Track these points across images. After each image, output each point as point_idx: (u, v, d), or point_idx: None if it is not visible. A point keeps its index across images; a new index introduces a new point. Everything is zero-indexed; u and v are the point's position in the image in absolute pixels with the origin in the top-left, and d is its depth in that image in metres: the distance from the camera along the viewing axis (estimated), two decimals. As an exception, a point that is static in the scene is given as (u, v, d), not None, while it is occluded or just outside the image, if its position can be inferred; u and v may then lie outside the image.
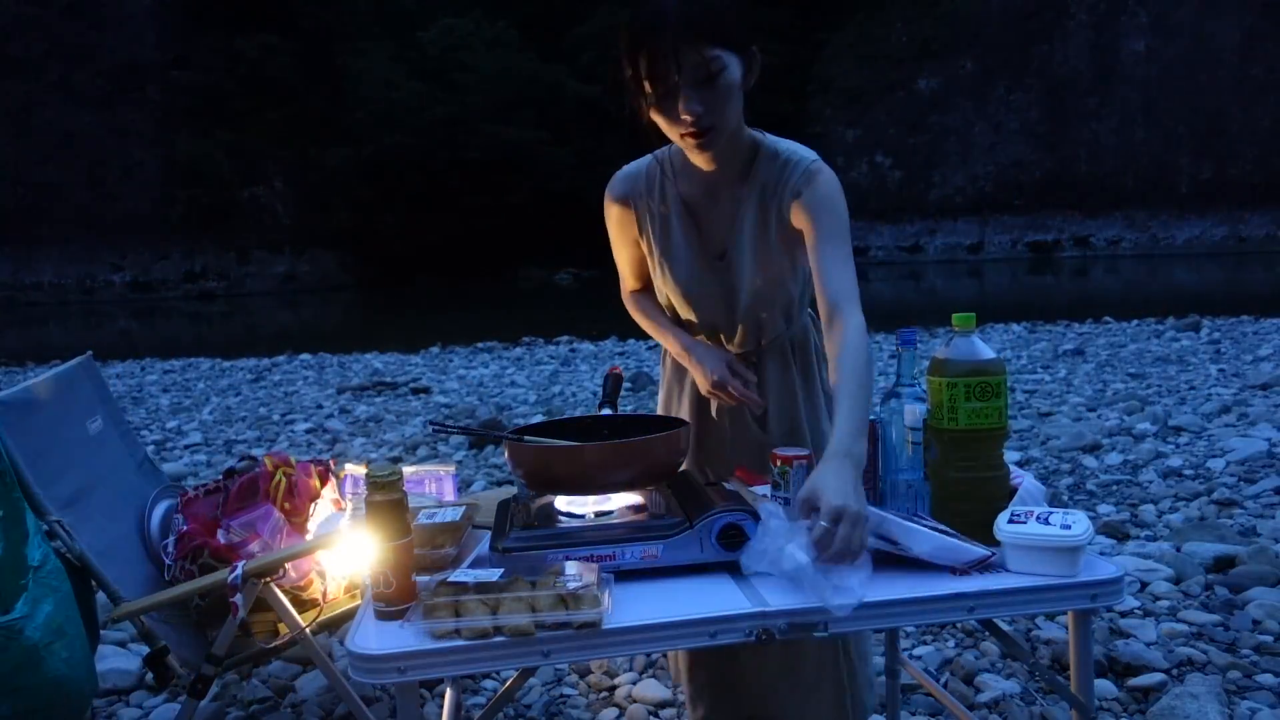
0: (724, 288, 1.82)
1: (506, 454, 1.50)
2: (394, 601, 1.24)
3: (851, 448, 1.40)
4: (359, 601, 2.34)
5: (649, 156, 1.80)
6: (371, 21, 39.98)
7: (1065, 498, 4.27)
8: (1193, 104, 34.37)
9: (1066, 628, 1.84)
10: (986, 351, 1.47)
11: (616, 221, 1.86)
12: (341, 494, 2.37)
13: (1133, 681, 2.54)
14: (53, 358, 11.65)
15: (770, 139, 1.75)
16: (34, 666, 1.84)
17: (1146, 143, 35.12)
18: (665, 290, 1.88)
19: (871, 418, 1.59)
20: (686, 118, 1.54)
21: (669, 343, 1.91)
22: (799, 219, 1.70)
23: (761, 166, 1.73)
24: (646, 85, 1.53)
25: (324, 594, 2.42)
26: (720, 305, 1.84)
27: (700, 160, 1.66)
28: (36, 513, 2.06)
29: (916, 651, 2.76)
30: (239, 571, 2.07)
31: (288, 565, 2.23)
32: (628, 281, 1.98)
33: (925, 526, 1.36)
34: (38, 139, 34.55)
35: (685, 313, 1.88)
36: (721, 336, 1.88)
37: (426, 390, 8.47)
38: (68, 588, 1.98)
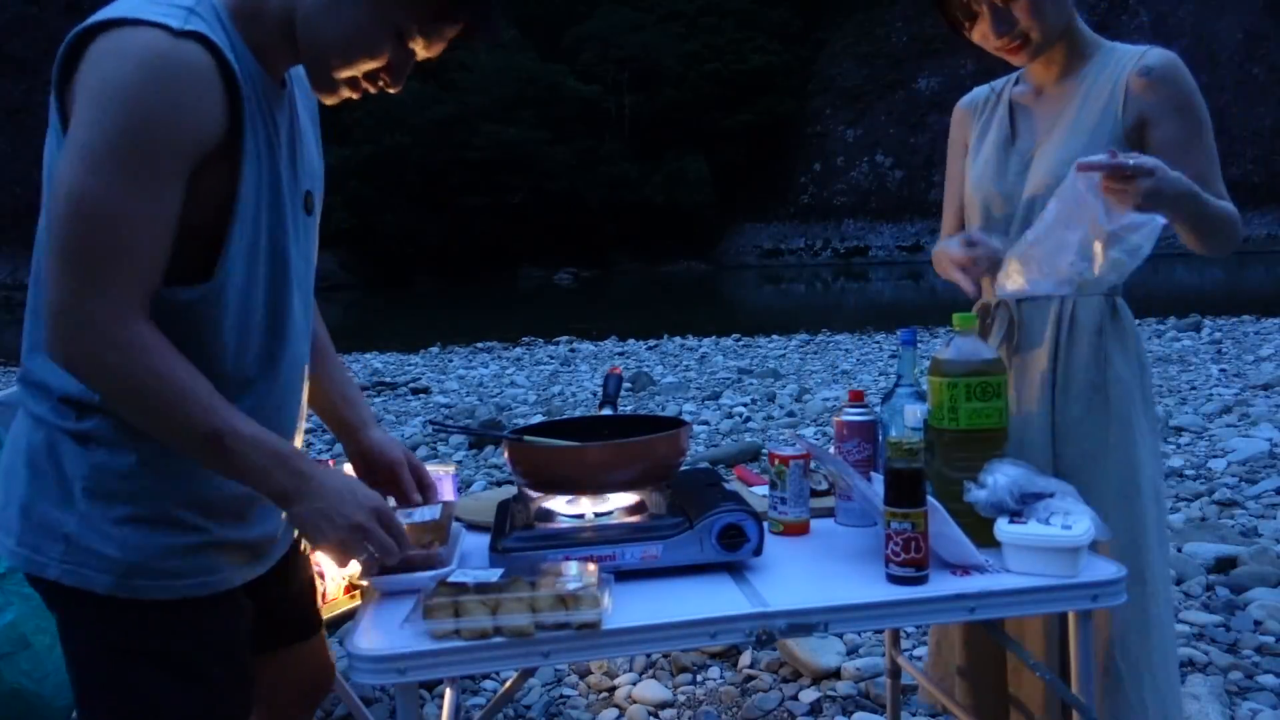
0: (1014, 187, 1.63)
1: (506, 454, 1.50)
2: None
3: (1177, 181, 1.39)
4: (359, 601, 2.34)
5: (992, 82, 1.77)
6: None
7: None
8: (1193, 104, 34.39)
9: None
10: (987, 351, 1.47)
11: (953, 134, 1.79)
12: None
13: (1133, 682, 2.54)
14: (53, 358, 11.61)
15: (1113, 43, 1.65)
16: None
17: (1146, 143, 35.14)
18: (962, 200, 1.74)
19: (871, 418, 1.60)
20: (994, 34, 1.55)
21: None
22: (1144, 107, 1.54)
23: (1096, 61, 1.61)
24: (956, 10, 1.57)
25: (323, 594, 2.42)
26: (1002, 206, 1.64)
27: (1019, 62, 1.62)
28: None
29: (917, 652, 2.76)
30: (238, 572, 2.07)
31: (287, 565, 2.23)
32: (945, 226, 1.82)
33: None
34: (37, 139, 34.49)
35: (973, 219, 1.70)
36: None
37: (426, 390, 8.47)
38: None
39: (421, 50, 1.21)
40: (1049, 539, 1.28)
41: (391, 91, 1.25)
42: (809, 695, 2.58)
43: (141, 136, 1.04)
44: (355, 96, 1.25)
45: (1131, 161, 1.35)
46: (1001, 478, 1.35)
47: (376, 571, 1.30)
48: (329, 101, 1.26)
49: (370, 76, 1.21)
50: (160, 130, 1.05)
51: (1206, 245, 1.54)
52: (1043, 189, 1.57)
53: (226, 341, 1.18)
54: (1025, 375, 1.63)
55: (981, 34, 1.57)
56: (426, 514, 1.48)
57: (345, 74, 1.19)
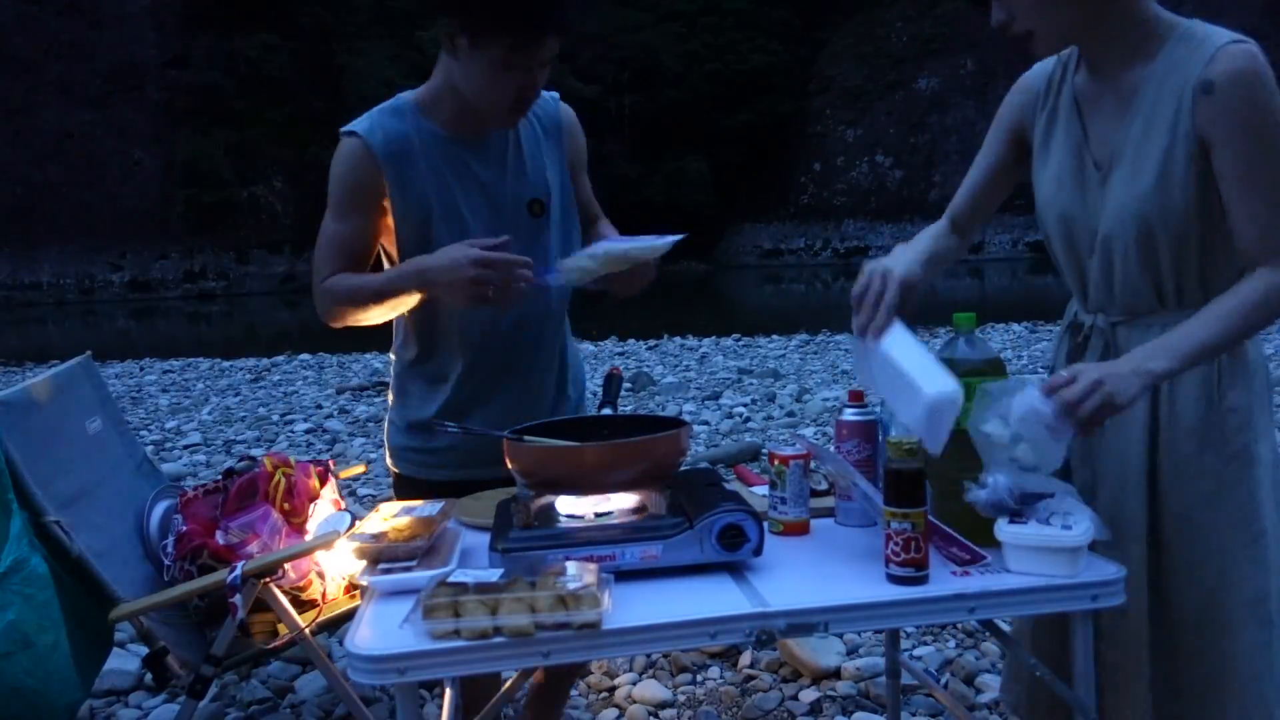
0: (1089, 207, 1.42)
1: (506, 454, 1.50)
2: None
3: (1147, 361, 1.25)
4: (359, 601, 2.34)
5: (1055, 57, 1.49)
6: (371, 21, 39.98)
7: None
8: (1192, 104, 34.37)
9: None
10: (987, 351, 1.47)
11: (1006, 113, 1.55)
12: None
13: (1133, 682, 2.54)
14: (51, 358, 11.63)
15: (1192, 23, 1.36)
16: None
17: (1146, 143, 35.12)
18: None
19: (871, 418, 1.59)
20: (993, 22, 1.38)
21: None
22: (1205, 127, 1.29)
23: (1173, 46, 1.34)
24: None
25: (323, 594, 2.42)
26: (1080, 231, 1.43)
27: (1035, 53, 1.42)
28: (34, 513, 2.06)
29: (917, 652, 2.76)
30: (238, 572, 2.07)
31: (287, 566, 2.23)
32: (955, 205, 1.63)
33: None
34: (36, 139, 34.55)
35: (1051, 240, 1.49)
36: (1076, 289, 1.51)
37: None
38: (45, 596, 1.95)
39: (525, 73, 1.63)
40: (1049, 539, 1.28)
41: (525, 103, 1.69)
42: (809, 695, 2.58)
43: (331, 190, 1.77)
44: (520, 111, 1.72)
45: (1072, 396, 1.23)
46: (1002, 478, 1.35)
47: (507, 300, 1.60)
48: (510, 124, 1.76)
49: (520, 101, 1.67)
50: (334, 185, 1.76)
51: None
52: (1115, 228, 1.38)
53: None
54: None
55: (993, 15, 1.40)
56: (427, 510, 1.51)
57: (507, 103, 1.66)
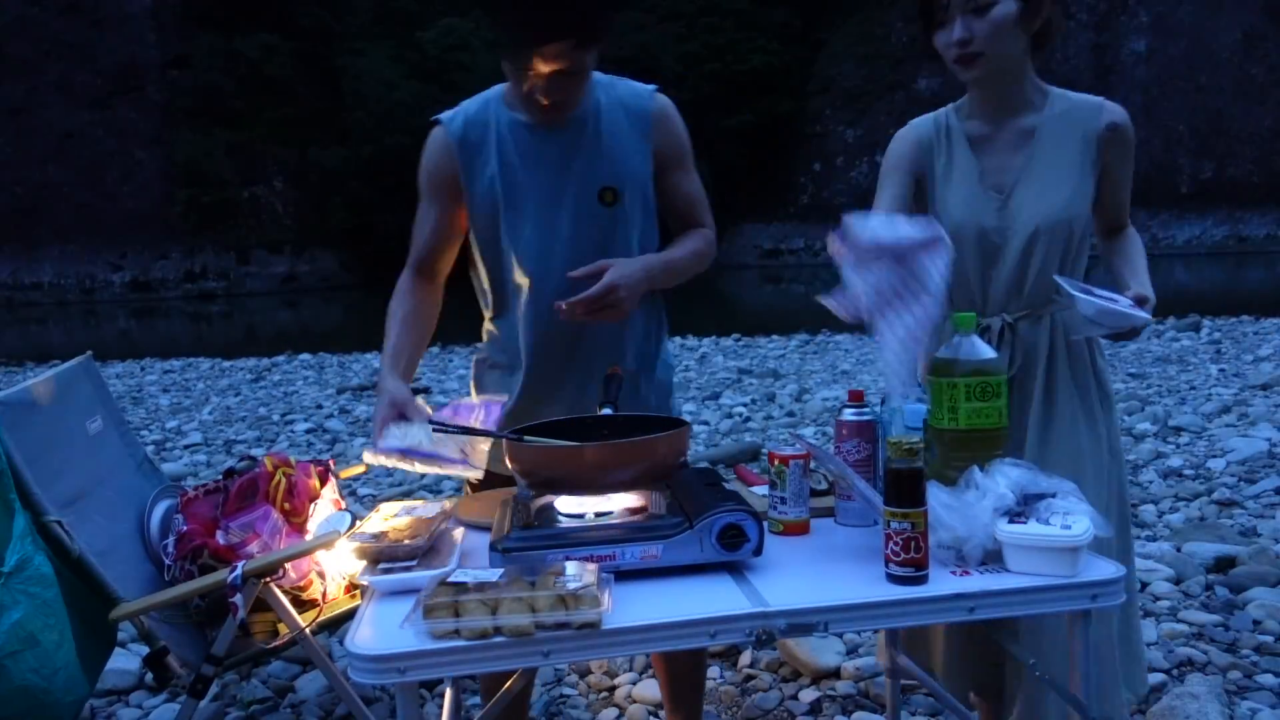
0: (998, 222, 1.76)
1: (506, 454, 1.50)
2: None
3: (1142, 287, 1.68)
4: (359, 601, 2.34)
5: (930, 115, 1.87)
6: (371, 21, 39.97)
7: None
8: (1193, 104, 34.36)
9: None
10: (986, 351, 1.47)
11: (898, 162, 1.83)
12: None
13: (1133, 681, 2.54)
14: (52, 358, 11.64)
15: (1054, 88, 1.80)
16: None
17: (1146, 143, 35.04)
18: None
19: (871, 418, 1.60)
20: (954, 40, 1.66)
21: None
22: (1110, 155, 1.76)
23: (1055, 101, 1.78)
24: (924, 16, 1.70)
25: (324, 594, 2.42)
26: (991, 242, 1.76)
27: (968, 75, 1.72)
28: (35, 512, 2.06)
29: (916, 651, 2.76)
30: (238, 572, 2.07)
31: (287, 565, 2.23)
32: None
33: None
34: (37, 139, 34.54)
35: (961, 250, 1.74)
36: (978, 296, 1.80)
37: (426, 390, 8.47)
38: (50, 595, 1.96)
39: (536, 76, 1.67)
40: (1049, 539, 1.28)
41: (556, 106, 1.74)
42: (809, 695, 2.58)
43: (419, 176, 1.89)
44: (547, 111, 1.75)
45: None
46: (1002, 478, 1.35)
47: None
48: (548, 121, 1.78)
49: (543, 99, 1.71)
50: (420, 172, 1.89)
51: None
52: (1033, 227, 1.73)
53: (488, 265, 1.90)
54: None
55: (945, 41, 1.69)
56: (428, 510, 1.52)
57: (527, 104, 1.75)
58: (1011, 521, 1.32)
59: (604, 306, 1.67)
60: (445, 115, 1.86)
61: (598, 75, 1.82)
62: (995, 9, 1.65)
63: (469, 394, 2.01)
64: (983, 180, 1.78)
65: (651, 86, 1.91)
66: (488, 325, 1.98)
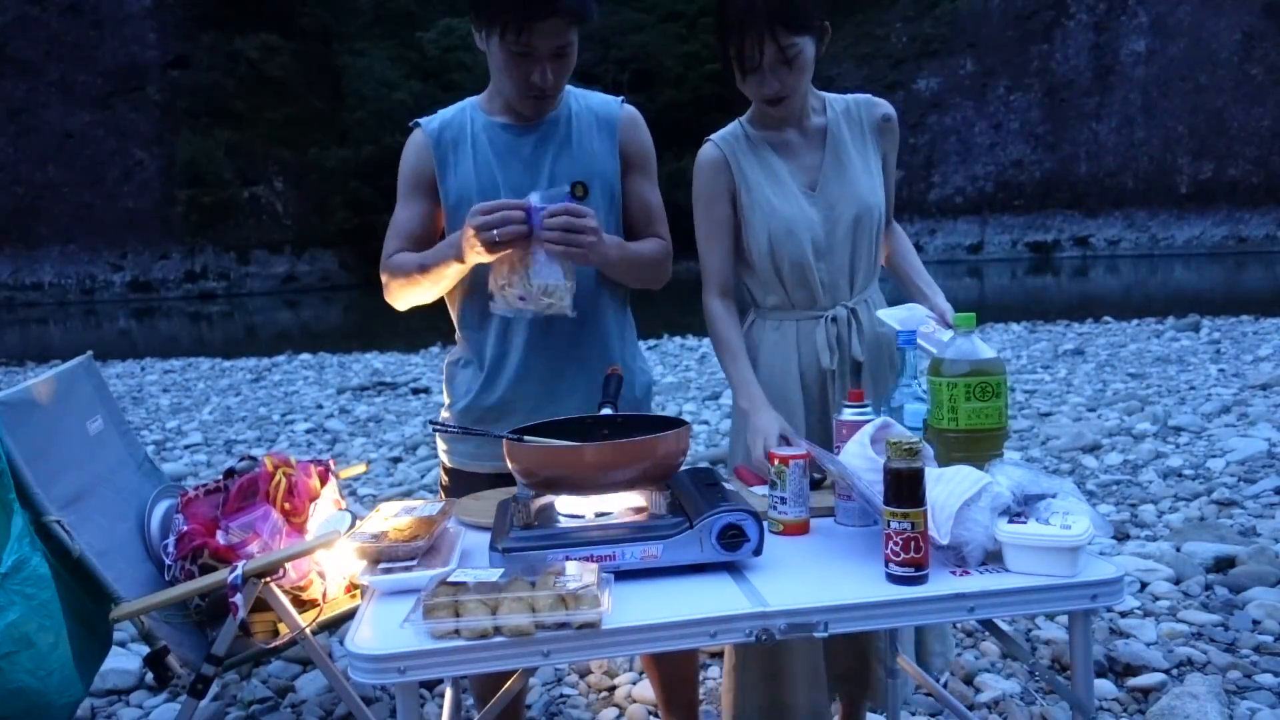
0: (812, 214, 1.89)
1: (506, 454, 1.50)
2: None
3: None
4: (359, 601, 2.34)
5: (716, 135, 1.99)
6: (371, 21, 39.98)
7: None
8: (1193, 104, 34.34)
9: (1067, 628, 1.85)
10: (986, 351, 1.47)
11: (709, 186, 1.94)
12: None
13: (1133, 681, 2.54)
14: (53, 358, 11.65)
15: (824, 93, 1.99)
16: None
17: (1146, 143, 35.10)
18: (759, 240, 1.90)
19: (871, 418, 1.60)
20: (766, 93, 1.83)
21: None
22: (885, 144, 1.95)
23: (832, 103, 1.96)
24: (735, 66, 1.82)
25: (324, 594, 2.42)
26: (804, 238, 1.88)
27: (779, 113, 1.90)
28: (35, 512, 2.06)
29: (916, 651, 2.76)
30: (239, 572, 2.07)
31: (287, 565, 2.23)
32: (715, 275, 1.97)
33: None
34: (38, 139, 34.55)
35: (783, 254, 1.89)
36: (815, 289, 1.90)
37: (426, 390, 8.47)
38: (47, 595, 1.95)
39: (533, 62, 1.77)
40: (1049, 539, 1.28)
41: (548, 89, 1.82)
42: (809, 695, 2.58)
43: (398, 177, 1.95)
44: (538, 99, 1.85)
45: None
46: (1002, 478, 1.35)
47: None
48: (530, 111, 1.88)
49: (534, 88, 1.81)
50: (399, 173, 1.95)
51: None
52: (852, 215, 1.89)
53: None
54: None
55: (755, 88, 1.83)
56: (428, 510, 1.52)
57: (521, 90, 1.82)
58: (1011, 521, 1.32)
59: (578, 232, 1.69)
60: (424, 118, 1.96)
61: (569, 87, 1.93)
62: (799, 58, 1.78)
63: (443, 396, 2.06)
64: (794, 179, 1.91)
65: (620, 98, 2.04)
66: (459, 326, 2.02)
